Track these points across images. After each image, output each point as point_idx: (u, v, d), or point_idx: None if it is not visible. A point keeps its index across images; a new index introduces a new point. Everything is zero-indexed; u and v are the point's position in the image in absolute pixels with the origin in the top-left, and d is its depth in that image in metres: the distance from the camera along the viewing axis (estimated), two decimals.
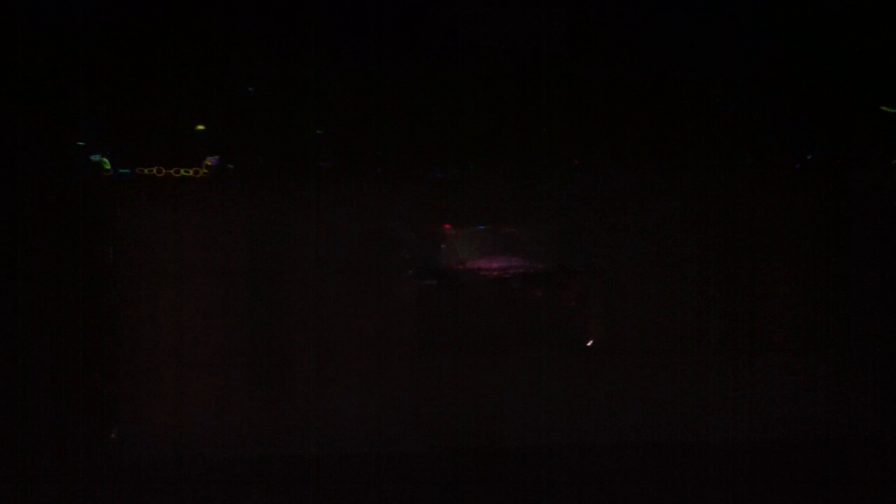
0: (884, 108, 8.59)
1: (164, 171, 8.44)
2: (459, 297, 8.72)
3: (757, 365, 8.64)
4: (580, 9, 8.50)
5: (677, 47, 8.54)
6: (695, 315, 8.65)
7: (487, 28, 8.48)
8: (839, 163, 8.73)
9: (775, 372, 8.65)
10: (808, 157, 8.71)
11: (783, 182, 8.70)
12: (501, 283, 8.73)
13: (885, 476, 8.16)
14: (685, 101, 8.55)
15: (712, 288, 8.66)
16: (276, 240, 8.59)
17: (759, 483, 8.12)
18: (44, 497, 7.90)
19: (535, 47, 8.48)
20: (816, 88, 8.64)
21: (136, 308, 8.47)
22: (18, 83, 8.27)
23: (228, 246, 8.57)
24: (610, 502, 7.91)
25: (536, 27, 8.47)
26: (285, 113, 8.54)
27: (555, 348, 8.63)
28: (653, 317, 8.66)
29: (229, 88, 8.50)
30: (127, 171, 8.42)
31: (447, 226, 8.75)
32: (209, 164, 8.45)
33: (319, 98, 8.50)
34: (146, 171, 8.42)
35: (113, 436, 8.39)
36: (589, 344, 8.71)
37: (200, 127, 8.49)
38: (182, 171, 8.45)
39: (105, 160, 8.35)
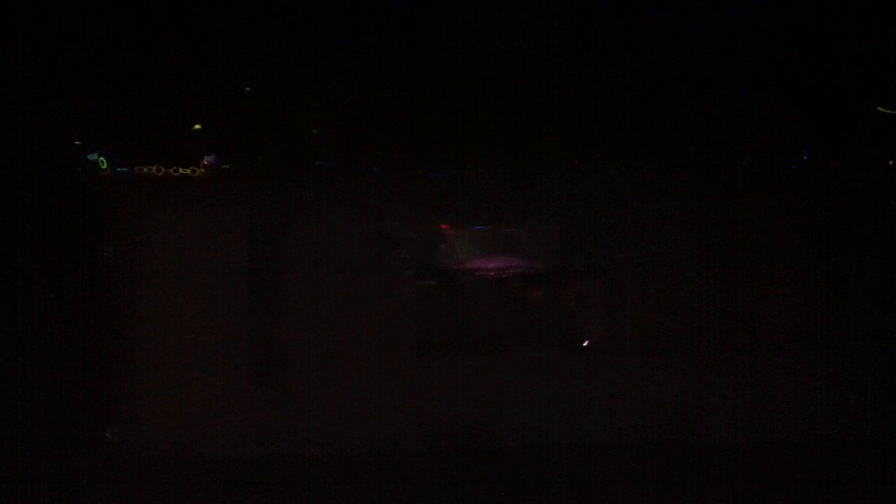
0: (880, 108, 8.59)
1: (163, 169, 8.44)
2: (459, 297, 8.72)
3: (757, 365, 8.64)
4: (580, 9, 8.50)
5: (677, 47, 8.54)
6: (695, 315, 8.65)
7: (487, 28, 8.48)
8: (839, 163, 8.73)
9: (775, 372, 8.65)
10: (808, 158, 8.71)
11: (783, 182, 8.70)
12: (501, 283, 8.72)
13: (885, 476, 8.16)
14: (685, 101, 8.55)
15: (712, 288, 8.65)
16: (276, 240, 8.59)
17: (759, 483, 8.11)
18: (44, 497, 7.90)
19: (535, 47, 8.48)
20: (816, 88, 8.64)
21: (136, 308, 8.47)
22: (18, 83, 8.27)
23: (228, 246, 8.57)
24: (610, 502, 7.91)
25: (536, 27, 8.47)
26: (285, 113, 8.54)
27: (555, 348, 8.63)
28: (653, 317, 8.66)
29: (229, 88, 8.50)
30: (125, 169, 8.42)
31: (447, 226, 8.74)
32: (206, 163, 8.45)
33: (319, 98, 8.50)
34: (145, 169, 8.42)
35: (108, 436, 8.39)
36: (585, 344, 8.71)
37: (197, 126, 8.49)
38: (181, 170, 8.44)
39: (102, 159, 8.35)
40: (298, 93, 8.51)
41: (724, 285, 8.65)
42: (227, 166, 8.51)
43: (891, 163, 8.74)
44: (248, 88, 8.49)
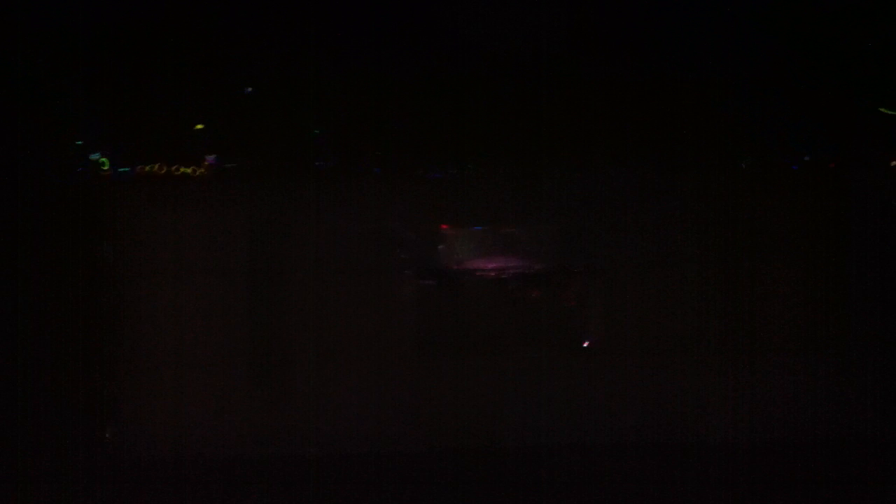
0: (882, 109, 8.59)
1: (165, 167, 8.44)
2: (459, 298, 8.72)
3: (757, 365, 8.64)
4: (580, 9, 8.51)
5: (677, 47, 8.54)
6: (695, 315, 8.65)
7: (487, 28, 8.48)
8: (839, 163, 8.73)
9: (775, 372, 8.65)
10: (808, 158, 8.71)
11: (783, 182, 8.70)
12: (501, 283, 8.72)
13: (885, 476, 8.16)
14: (685, 101, 8.55)
15: (712, 288, 8.65)
16: (276, 240, 8.59)
17: (759, 483, 8.11)
18: (44, 497, 7.90)
19: (535, 47, 8.48)
20: (816, 89, 8.64)
21: (136, 308, 8.47)
22: (18, 83, 8.27)
23: (228, 246, 8.57)
24: (610, 502, 7.90)
25: (536, 27, 8.47)
26: (285, 113, 8.54)
27: (555, 348, 8.63)
28: (653, 317, 8.66)
29: (229, 88, 8.51)
30: (127, 169, 8.42)
31: (447, 226, 8.74)
32: (207, 163, 8.45)
33: (319, 98, 8.50)
34: (147, 168, 8.42)
35: (107, 435, 8.39)
36: (585, 345, 8.71)
37: (199, 126, 8.49)
38: (182, 169, 8.45)
39: (104, 159, 8.35)
40: (298, 93, 8.51)
41: (724, 285, 8.65)
42: (229, 165, 8.51)
43: (893, 164, 8.74)
44: (248, 88, 8.50)
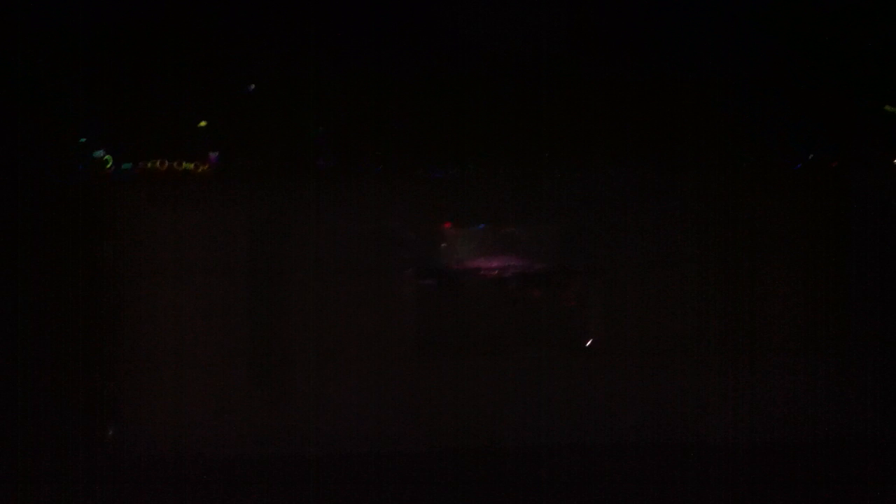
0: (888, 107, 8.59)
1: (166, 163, 8.44)
2: (459, 298, 8.72)
3: (757, 365, 8.64)
4: (580, 9, 8.51)
5: (677, 47, 8.54)
6: (695, 315, 8.65)
7: (487, 28, 8.48)
8: (839, 163, 8.73)
9: (775, 372, 8.65)
10: (809, 158, 8.71)
11: (783, 182, 8.70)
12: (501, 283, 8.72)
13: (885, 476, 8.16)
14: (685, 101, 8.55)
15: (712, 288, 8.65)
16: (276, 239, 8.59)
17: (759, 483, 8.11)
18: (44, 497, 7.90)
19: (535, 47, 8.48)
20: (816, 88, 8.64)
21: (136, 308, 8.47)
22: (18, 83, 8.28)
23: (228, 245, 8.57)
24: (610, 502, 7.91)
25: (536, 27, 8.47)
26: (285, 113, 8.54)
27: (555, 348, 8.63)
28: (653, 317, 8.66)
29: (229, 88, 8.51)
30: (129, 165, 8.42)
31: (447, 226, 8.75)
32: (207, 163, 8.45)
33: (319, 98, 8.50)
34: (149, 164, 8.42)
35: (110, 433, 8.39)
36: (588, 344, 8.71)
37: (203, 123, 8.49)
38: (185, 164, 8.45)
39: (108, 157, 8.36)
40: (298, 93, 8.52)
41: (724, 285, 8.65)
42: (229, 165, 8.51)
43: (893, 162, 8.74)
44: (251, 85, 8.49)
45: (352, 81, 8.51)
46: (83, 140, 8.36)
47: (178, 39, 8.43)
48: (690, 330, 8.64)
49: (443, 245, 8.74)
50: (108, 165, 8.36)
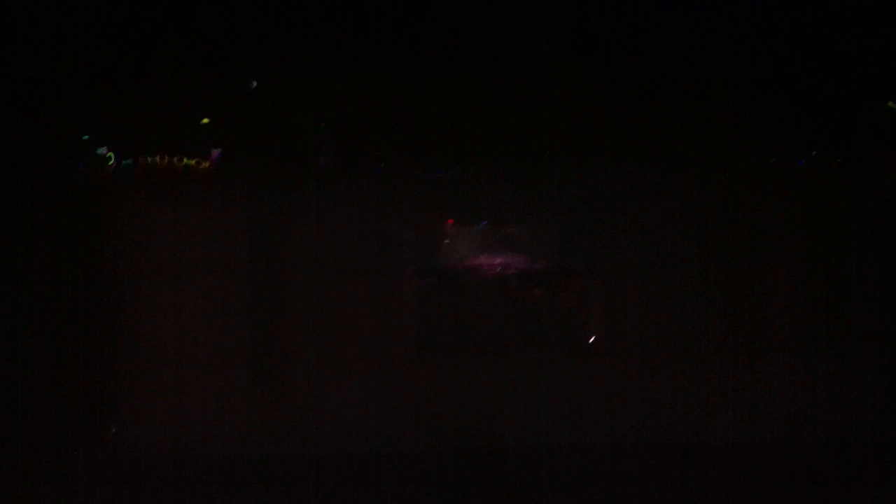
0: (890, 104, 8.59)
1: (166, 158, 8.43)
2: (459, 298, 8.71)
3: (757, 365, 8.64)
4: (580, 9, 8.51)
5: (677, 47, 8.54)
6: (695, 315, 8.64)
7: (487, 28, 8.48)
8: (839, 163, 8.73)
9: (775, 372, 8.64)
10: (808, 158, 8.70)
11: (783, 182, 8.70)
12: (501, 283, 8.72)
13: (885, 476, 8.17)
14: (685, 101, 8.55)
15: (712, 288, 8.65)
16: (276, 239, 8.59)
17: (759, 483, 8.12)
18: (44, 497, 7.90)
19: (535, 47, 8.48)
20: (816, 88, 8.64)
21: (136, 307, 8.47)
22: (18, 83, 8.27)
23: (228, 245, 8.57)
24: (610, 502, 7.91)
25: (536, 27, 8.47)
26: (285, 112, 8.54)
27: (555, 348, 8.63)
28: (653, 317, 8.66)
29: (229, 88, 8.51)
30: (129, 161, 8.42)
31: (447, 225, 8.74)
32: (207, 163, 8.45)
33: (319, 98, 8.50)
34: (149, 159, 8.41)
35: (113, 430, 8.39)
36: (591, 340, 8.71)
37: (205, 121, 8.49)
38: (185, 160, 8.44)
39: (111, 154, 8.36)
40: (299, 92, 8.51)
41: (724, 285, 8.65)
42: (229, 164, 8.51)
43: (893, 160, 8.74)
44: (253, 82, 8.49)
45: (352, 81, 8.51)
46: (86, 137, 8.35)
47: (178, 39, 8.43)
48: (690, 330, 8.64)
49: (443, 245, 8.73)
50: (110, 163, 8.35)
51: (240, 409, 8.49)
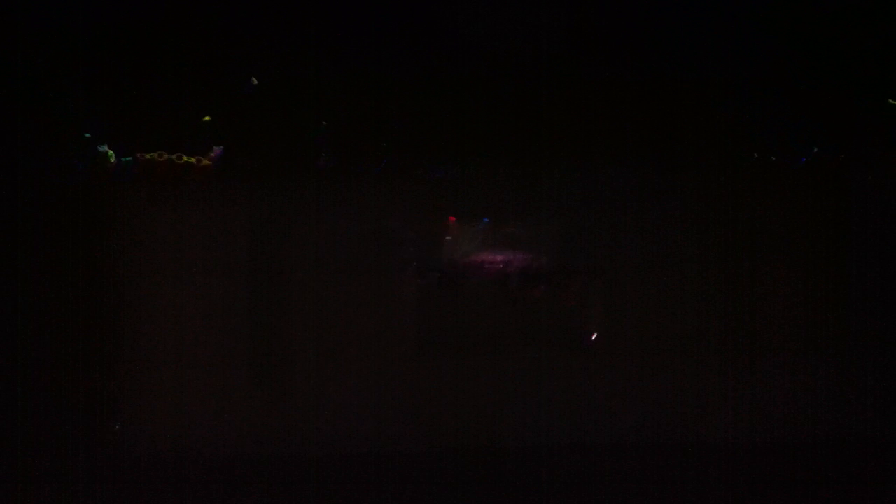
0: (890, 101, 8.58)
1: (165, 155, 8.43)
2: (459, 298, 8.71)
3: (757, 365, 8.64)
4: (580, 9, 8.50)
5: (677, 47, 8.54)
6: (695, 315, 8.64)
7: (487, 28, 8.48)
8: (840, 163, 8.72)
9: (775, 372, 8.64)
10: (809, 158, 8.70)
11: (783, 182, 8.69)
12: (501, 283, 8.72)
13: (885, 476, 8.17)
14: (685, 101, 8.55)
15: (712, 288, 8.65)
16: (276, 239, 8.59)
17: (759, 483, 8.12)
18: (44, 497, 7.90)
19: (535, 47, 8.48)
20: (817, 88, 8.63)
21: (136, 307, 8.47)
22: (18, 83, 8.27)
23: (228, 245, 8.57)
24: (610, 502, 7.91)
25: (536, 27, 8.46)
26: (285, 112, 8.54)
27: (555, 348, 8.62)
28: (653, 317, 8.65)
29: (229, 88, 8.50)
30: (129, 159, 8.42)
31: (448, 225, 8.74)
32: (213, 153, 8.44)
33: (319, 98, 8.49)
34: (147, 156, 8.41)
35: (117, 427, 8.39)
36: (593, 337, 8.70)
37: (207, 118, 8.49)
38: (185, 158, 8.44)
39: (111, 152, 8.35)
40: (299, 92, 8.51)
41: (724, 285, 8.65)
42: (230, 163, 8.51)
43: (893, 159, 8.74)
44: (253, 80, 8.48)
45: (352, 81, 8.51)
46: (87, 135, 8.35)
47: (178, 39, 8.42)
48: (690, 330, 8.63)
49: (443, 245, 8.73)
50: (111, 160, 8.35)
51: (240, 409, 8.48)
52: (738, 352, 8.63)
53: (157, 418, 8.44)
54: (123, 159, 8.39)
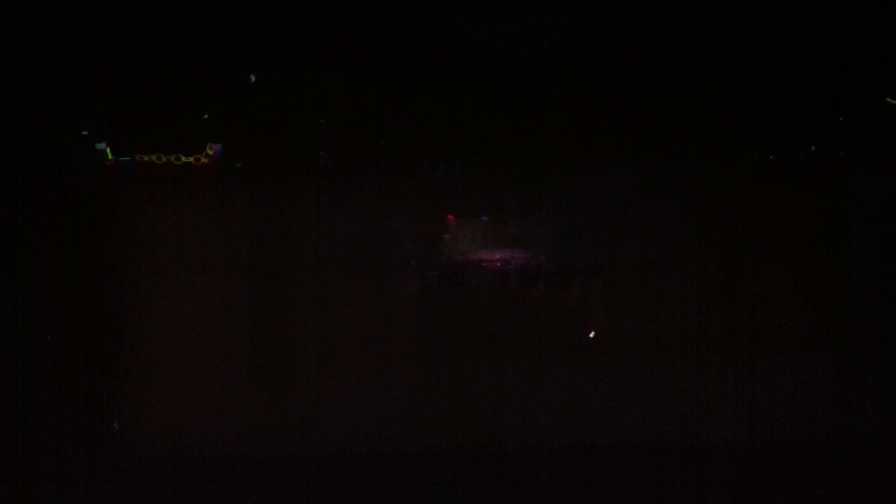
0: (889, 100, 8.58)
1: (163, 157, 8.43)
2: (459, 297, 8.72)
3: (757, 365, 8.64)
4: (580, 9, 8.50)
5: (677, 47, 8.54)
6: (695, 315, 8.64)
7: (487, 28, 8.48)
8: (840, 162, 8.73)
9: (775, 372, 8.65)
10: (808, 158, 8.70)
11: (783, 182, 8.70)
12: (501, 283, 8.72)
13: (885, 476, 8.17)
14: (685, 101, 8.55)
15: (712, 288, 8.65)
16: (276, 239, 8.59)
17: (759, 483, 8.12)
18: (44, 497, 7.90)
19: (535, 47, 8.48)
20: (817, 88, 8.64)
21: (136, 307, 8.47)
22: (18, 83, 8.27)
23: (228, 245, 8.57)
24: (610, 502, 7.91)
25: (536, 27, 8.47)
26: (285, 112, 8.54)
27: (555, 348, 8.63)
28: (653, 317, 8.66)
29: (230, 88, 8.51)
30: (127, 158, 8.42)
31: (447, 221, 8.74)
32: (210, 152, 8.44)
33: (320, 97, 8.50)
34: (146, 157, 8.41)
35: (115, 425, 8.39)
36: (591, 335, 8.71)
37: (206, 116, 8.50)
38: (183, 158, 8.45)
39: (108, 150, 8.36)
40: (299, 92, 8.51)
41: (724, 285, 8.65)
42: (230, 163, 8.51)
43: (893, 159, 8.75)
44: (252, 77, 8.48)
45: (352, 81, 8.51)
46: (85, 133, 8.35)
47: (178, 39, 8.42)
48: (690, 330, 8.64)
49: (443, 245, 8.73)
50: (109, 158, 8.35)
51: (240, 409, 8.49)
52: (738, 352, 8.64)
53: (157, 418, 8.45)
54: (122, 159, 8.39)
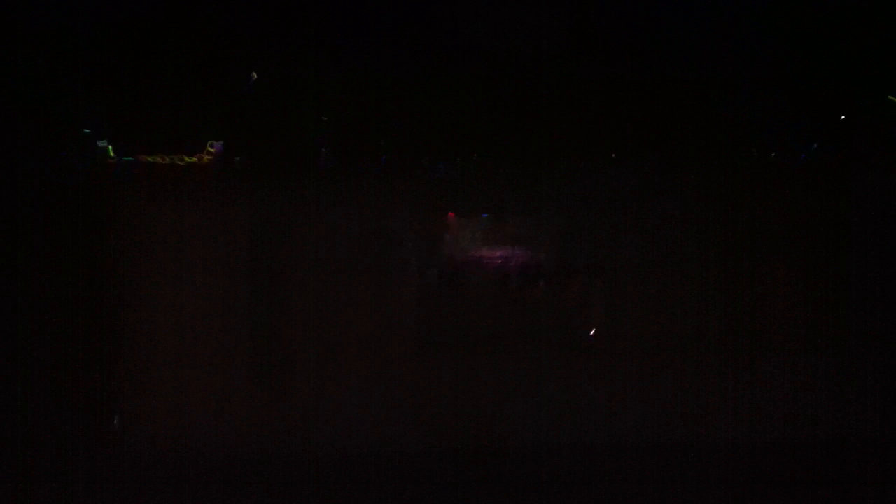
0: (890, 97, 8.58)
1: (166, 158, 8.44)
2: (460, 297, 8.72)
3: (757, 365, 8.64)
4: (580, 9, 8.50)
5: (677, 47, 8.54)
6: (695, 315, 8.65)
7: (487, 28, 8.48)
8: (840, 162, 8.73)
9: (775, 372, 8.65)
10: (808, 158, 8.70)
11: (783, 182, 8.70)
12: (501, 282, 8.72)
13: (885, 476, 8.17)
14: (685, 101, 8.55)
15: (712, 288, 8.65)
16: (277, 238, 8.59)
17: (759, 483, 8.12)
18: (44, 497, 7.91)
19: (535, 47, 8.48)
20: (817, 88, 8.64)
21: (136, 307, 8.47)
22: (18, 83, 8.27)
23: (228, 245, 8.57)
24: (610, 502, 7.91)
25: (536, 27, 8.47)
26: (285, 112, 8.54)
27: (555, 348, 8.63)
28: (653, 317, 8.66)
29: (230, 88, 8.51)
30: (130, 158, 8.42)
31: (447, 221, 8.74)
32: (212, 150, 8.44)
33: (320, 97, 8.50)
34: (149, 158, 8.42)
35: (115, 422, 8.39)
36: (591, 333, 8.71)
37: (206, 116, 8.50)
38: (186, 159, 8.45)
39: (110, 147, 8.36)
40: (299, 92, 8.52)
41: (724, 285, 8.66)
42: (230, 163, 8.52)
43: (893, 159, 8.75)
44: (253, 74, 8.48)
45: (352, 81, 8.51)
46: (87, 131, 8.35)
47: (178, 39, 8.42)
48: (690, 330, 8.64)
49: (443, 244, 8.74)
50: (111, 155, 8.35)
51: (240, 409, 8.49)
52: (738, 352, 8.64)
53: (157, 418, 8.45)
54: (124, 158, 8.39)
